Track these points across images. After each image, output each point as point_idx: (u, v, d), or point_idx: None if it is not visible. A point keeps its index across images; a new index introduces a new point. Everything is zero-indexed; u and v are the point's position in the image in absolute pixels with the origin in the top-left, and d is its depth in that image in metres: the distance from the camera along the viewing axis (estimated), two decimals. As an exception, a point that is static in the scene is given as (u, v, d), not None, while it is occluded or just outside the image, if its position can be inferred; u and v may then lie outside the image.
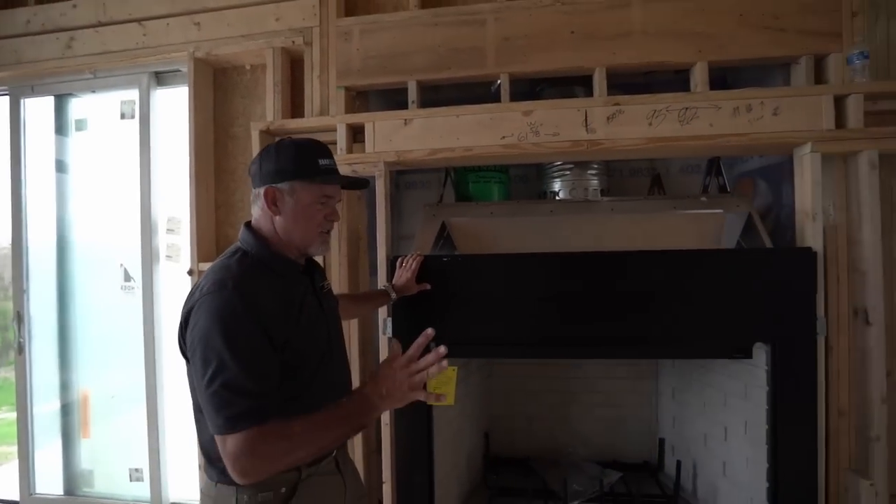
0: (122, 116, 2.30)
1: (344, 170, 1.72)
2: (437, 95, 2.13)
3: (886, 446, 1.54)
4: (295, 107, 2.07)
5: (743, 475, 1.66)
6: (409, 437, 1.66)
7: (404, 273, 1.57)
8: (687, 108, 1.58)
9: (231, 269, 0.94)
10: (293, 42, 1.97)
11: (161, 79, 2.25)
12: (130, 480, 2.28)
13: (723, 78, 2.07)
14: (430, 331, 0.92)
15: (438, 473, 1.71)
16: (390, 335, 1.69)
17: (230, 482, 0.89)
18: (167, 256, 2.25)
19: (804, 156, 1.55)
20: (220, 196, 2.16)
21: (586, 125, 1.62)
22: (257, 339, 0.87)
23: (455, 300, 1.61)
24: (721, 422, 1.77)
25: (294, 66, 2.07)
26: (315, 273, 1.10)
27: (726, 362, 1.72)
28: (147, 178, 2.22)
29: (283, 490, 0.94)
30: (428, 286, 1.58)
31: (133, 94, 2.23)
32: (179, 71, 2.18)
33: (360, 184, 1.17)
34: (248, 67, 2.12)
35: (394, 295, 1.54)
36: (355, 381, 1.46)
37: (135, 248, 2.23)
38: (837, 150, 1.53)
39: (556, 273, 1.60)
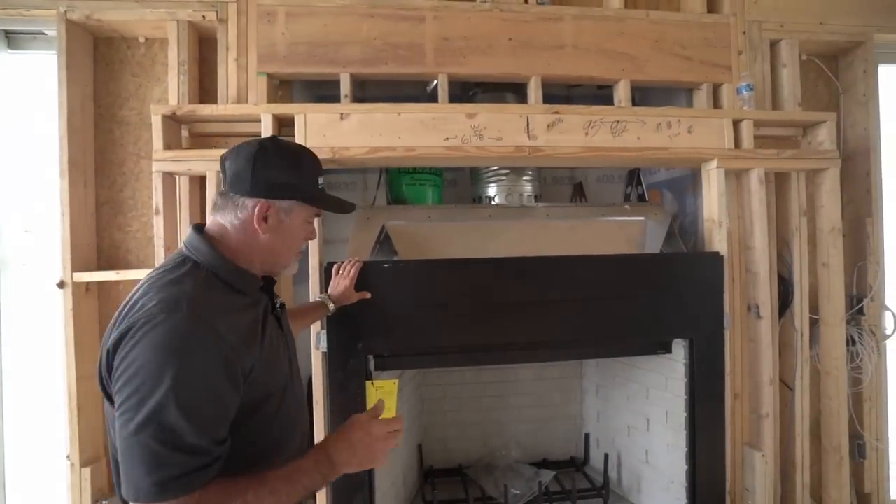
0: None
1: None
2: (363, 94, 2.03)
3: (774, 422, 1.79)
4: (203, 91, 1.79)
5: (664, 460, 1.80)
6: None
7: (342, 281, 1.42)
8: (618, 121, 1.68)
9: (183, 285, 0.76)
10: (203, 17, 1.71)
11: (14, 41, 1.80)
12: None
13: (633, 98, 2.28)
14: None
15: (378, 495, 1.59)
16: (324, 349, 1.53)
17: None
18: (23, 264, 1.79)
19: (711, 170, 1.75)
20: (102, 192, 1.79)
21: (528, 131, 1.64)
22: (214, 379, 0.71)
23: (396, 307, 1.51)
24: (644, 413, 1.91)
25: (202, 45, 1.80)
26: (272, 288, 0.95)
27: (648, 358, 1.86)
28: (-7, 166, 1.75)
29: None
30: (368, 294, 1.46)
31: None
32: (43, 34, 1.77)
33: (347, 208, 1.00)
34: (142, 40, 1.79)
35: (332, 306, 1.39)
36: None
37: (-26, 254, 1.74)
38: (735, 166, 1.75)
39: (499, 278, 1.58)
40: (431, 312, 1.55)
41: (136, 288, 0.79)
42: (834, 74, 2.18)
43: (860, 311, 2.03)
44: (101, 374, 0.75)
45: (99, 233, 1.79)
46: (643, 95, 2.21)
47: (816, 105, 2.17)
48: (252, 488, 0.71)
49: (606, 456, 2.03)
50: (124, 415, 0.67)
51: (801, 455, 1.94)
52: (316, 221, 0.99)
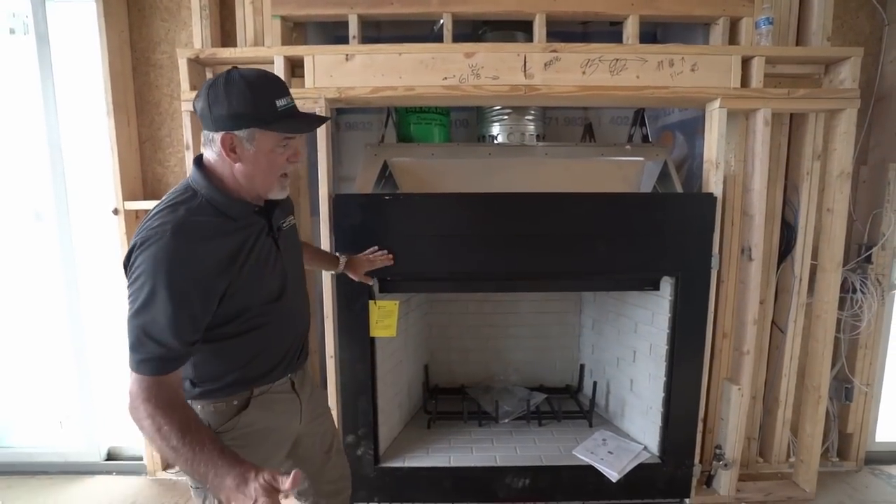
0: (12, 32, 2.02)
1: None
2: (378, 33, 2.09)
3: (753, 359, 1.87)
4: (225, 35, 1.93)
5: (646, 389, 1.94)
6: (353, 367, 1.75)
7: (366, 263, 1.59)
8: (617, 59, 1.68)
9: (177, 211, 0.90)
10: (221, -40, 1.80)
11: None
12: (61, 428, 2.21)
13: (653, 34, 2.20)
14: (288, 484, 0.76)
15: (381, 400, 1.84)
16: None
17: (190, 396, 0.98)
18: (85, 193, 2.08)
19: (714, 111, 1.72)
20: (143, 130, 2.01)
21: (525, 70, 1.68)
22: (186, 293, 0.85)
23: (398, 237, 1.67)
24: (631, 346, 2.03)
25: (223, -11, 1.91)
26: (274, 212, 1.06)
27: (638, 294, 1.96)
28: (52, 106, 2.00)
29: (236, 403, 1.01)
30: (370, 282, 1.63)
31: (23, 5, 1.94)
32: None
33: (322, 120, 1.05)
34: (168, -15, 1.92)
35: (341, 268, 1.57)
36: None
37: (45, 184, 2.03)
38: (741, 106, 1.71)
39: (492, 212, 1.69)
40: (430, 242, 1.69)
41: (152, 208, 0.95)
42: (880, 3, 2.00)
43: (868, 260, 2.00)
44: (124, 267, 0.92)
45: (143, 167, 2.03)
46: (665, 33, 2.14)
47: (855, 38, 2.02)
48: (185, 421, 0.83)
49: (595, 384, 2.19)
50: (128, 305, 0.86)
51: (786, 393, 2.03)
52: (300, 142, 1.09)
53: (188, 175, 1.00)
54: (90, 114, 1.98)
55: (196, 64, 1.74)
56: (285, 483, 0.75)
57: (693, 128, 2.06)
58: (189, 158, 1.76)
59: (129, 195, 1.95)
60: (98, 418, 2.18)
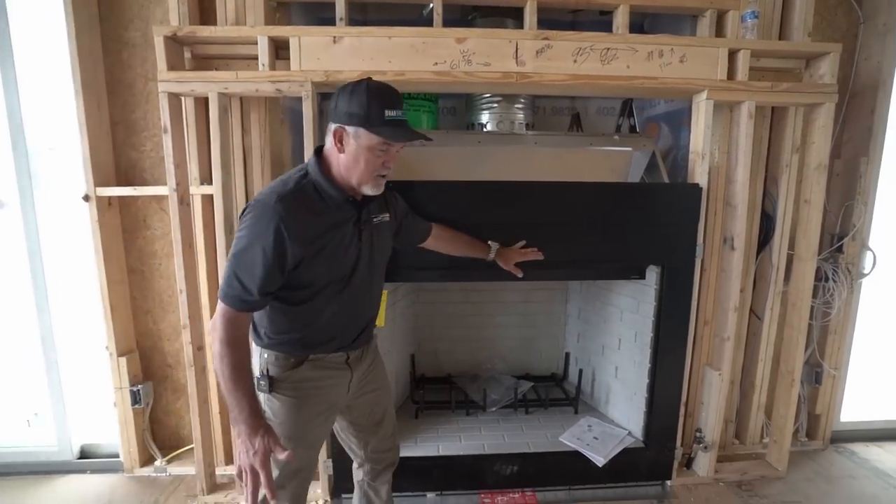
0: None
1: (266, 88, 1.62)
2: (364, 16, 2.03)
3: (733, 345, 1.93)
4: (203, 12, 1.83)
5: (631, 375, 1.99)
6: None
7: (517, 255, 1.64)
8: (608, 49, 1.68)
9: (287, 184, 1.09)
10: (199, -68, 1.71)
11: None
12: (29, 426, 2.11)
13: (640, 25, 2.21)
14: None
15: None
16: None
17: (260, 344, 1.17)
18: (52, 179, 1.96)
19: (701, 102, 1.75)
20: (116, 112, 1.91)
21: (516, 57, 1.66)
22: (270, 253, 1.02)
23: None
24: (617, 334, 2.07)
25: (200, -37, 1.81)
26: (370, 205, 1.20)
27: (624, 283, 1.99)
28: (13, 86, 1.87)
29: (292, 360, 1.17)
30: (520, 274, 1.64)
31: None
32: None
33: (419, 136, 1.16)
34: (141, -43, 1.81)
35: (492, 256, 1.61)
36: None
37: (7, 169, 1.91)
38: (727, 98, 1.74)
39: (482, 200, 1.68)
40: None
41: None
42: (857, 2, 2.06)
43: (839, 250, 2.09)
44: None
45: (115, 152, 1.93)
46: (653, 23, 2.15)
47: (833, 35, 2.08)
48: (235, 352, 1.04)
49: (581, 371, 2.23)
50: (232, 247, 1.06)
51: (761, 378, 2.11)
52: (399, 151, 1.15)
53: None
54: (57, 94, 1.86)
55: (173, 42, 1.65)
56: (279, 454, 1.02)
57: (678, 119, 2.09)
58: (167, 142, 1.67)
59: (101, 181, 1.85)
60: (69, 415, 2.09)
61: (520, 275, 1.63)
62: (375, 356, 1.39)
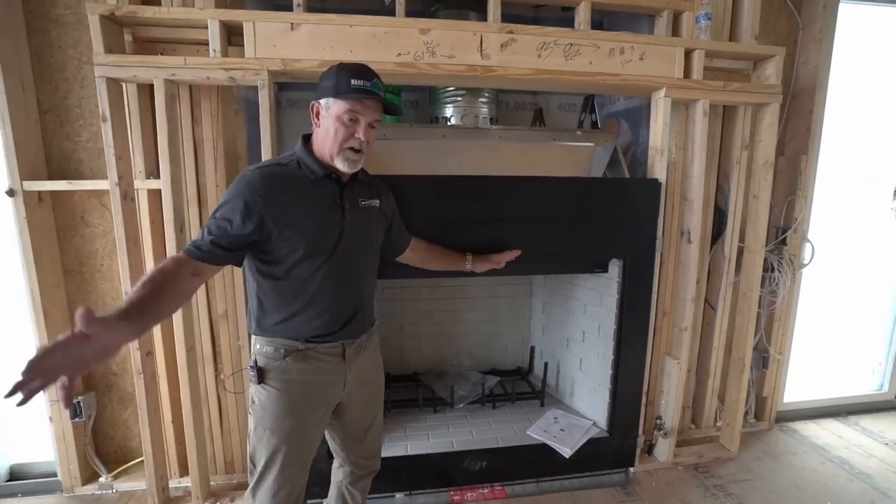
0: None
1: (219, 75, 1.52)
2: (322, 5, 1.95)
3: (690, 335, 2.01)
4: (145, -9, 1.69)
5: (594, 367, 2.03)
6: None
7: (490, 263, 1.60)
8: (572, 44, 1.69)
9: (272, 159, 1.19)
10: None
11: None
12: (-50, 445, 1.90)
13: (600, 22, 2.24)
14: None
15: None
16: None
17: (257, 333, 1.19)
18: (-30, 173, 1.76)
19: (659, 99, 1.80)
20: (45, 99, 1.73)
21: (481, 50, 1.64)
22: (236, 204, 1.06)
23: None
24: (581, 326, 2.11)
25: (140, -62, 1.67)
26: (353, 187, 1.21)
27: (587, 276, 2.03)
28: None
29: (283, 350, 1.16)
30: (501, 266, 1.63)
31: None
32: (-42, -84, 1.60)
33: (395, 108, 1.20)
34: (71, -73, 1.64)
35: (468, 267, 1.58)
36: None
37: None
38: (683, 96, 1.80)
39: (447, 195, 1.65)
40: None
41: None
42: (797, 8, 2.19)
43: (783, 242, 2.22)
44: None
45: (46, 142, 1.76)
46: (612, 21, 2.19)
47: (775, 39, 2.20)
48: (145, 280, 0.95)
49: (546, 364, 2.26)
50: None
51: (715, 365, 2.21)
52: (367, 124, 1.14)
53: None
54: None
55: (111, 23, 1.51)
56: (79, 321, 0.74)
57: (637, 116, 2.14)
58: (107, 131, 1.53)
59: (28, 174, 1.68)
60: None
61: (500, 266, 1.64)
62: (377, 359, 1.36)
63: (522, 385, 2.33)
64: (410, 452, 1.82)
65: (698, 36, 1.86)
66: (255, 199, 1.06)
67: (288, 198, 1.10)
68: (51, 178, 1.75)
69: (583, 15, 1.79)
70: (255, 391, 1.19)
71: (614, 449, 1.96)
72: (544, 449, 1.89)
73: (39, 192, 1.71)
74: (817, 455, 2.15)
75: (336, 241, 1.16)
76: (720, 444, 2.18)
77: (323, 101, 1.14)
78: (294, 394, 1.17)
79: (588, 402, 2.10)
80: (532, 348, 2.45)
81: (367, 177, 1.31)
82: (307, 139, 1.21)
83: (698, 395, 2.27)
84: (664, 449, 2.04)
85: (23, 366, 0.71)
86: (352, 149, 1.14)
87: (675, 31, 1.92)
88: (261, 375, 1.16)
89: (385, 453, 1.79)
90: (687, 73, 1.80)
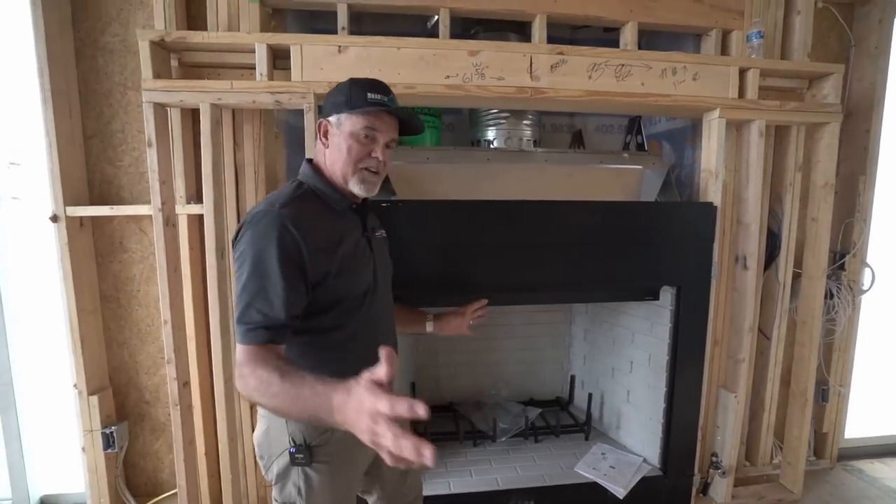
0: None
1: (265, 99, 1.50)
2: (359, 28, 1.93)
3: (749, 367, 1.89)
4: (190, 18, 1.70)
5: (644, 399, 1.92)
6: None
7: (458, 319, 1.40)
8: (623, 65, 1.64)
9: (283, 193, 0.99)
10: (188, -68, 1.59)
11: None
12: (-20, 475, 1.85)
13: (637, 44, 2.19)
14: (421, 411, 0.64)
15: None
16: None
17: None
18: (13, 198, 1.76)
19: (713, 120, 1.73)
20: (90, 124, 1.73)
21: (531, 72, 1.60)
22: (291, 264, 0.89)
23: (396, 246, 1.52)
24: (628, 356, 2.00)
25: (187, -34, 1.68)
26: (368, 216, 1.11)
27: (636, 304, 1.93)
28: (-27, 93, 1.67)
29: None
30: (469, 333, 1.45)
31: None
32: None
33: (412, 128, 1.10)
34: (121, -43, 1.66)
35: (430, 328, 1.40)
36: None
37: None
38: (738, 117, 1.73)
39: (493, 220, 1.58)
40: (425, 252, 1.56)
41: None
42: (848, 25, 2.12)
43: (841, 267, 2.10)
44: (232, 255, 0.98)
45: (89, 167, 1.75)
46: (650, 41, 2.13)
47: (826, 57, 2.12)
48: (280, 375, 0.80)
49: (590, 395, 2.14)
50: (236, 276, 0.91)
51: (770, 398, 2.08)
52: (385, 143, 1.04)
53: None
54: (21, 104, 1.67)
55: (160, 49, 1.51)
56: (382, 370, 0.67)
57: (681, 137, 2.07)
58: (152, 156, 1.51)
59: (72, 199, 1.66)
60: (28, 462, 1.85)
61: (469, 334, 1.45)
62: (398, 391, 1.25)
63: (564, 417, 2.22)
64: (454, 491, 1.72)
65: (750, 54, 1.80)
66: (305, 247, 0.90)
67: (329, 236, 0.96)
68: (92, 203, 1.74)
69: (629, 35, 1.74)
70: (298, 477, 0.99)
71: (668, 489, 1.83)
72: (595, 488, 1.77)
73: (81, 218, 1.70)
74: (894, 501, 1.98)
75: (373, 278, 1.06)
76: (781, 485, 2.03)
77: (333, 118, 1.01)
78: (347, 461, 1.03)
79: (637, 436, 1.98)
80: (572, 378, 2.34)
81: (372, 203, 1.19)
82: (311, 164, 1.07)
83: (753, 430, 2.13)
84: (721, 489, 1.90)
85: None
86: (368, 169, 1.02)
87: (724, 50, 1.86)
88: (312, 455, 0.98)
89: (427, 491, 1.70)
90: (741, 92, 1.73)
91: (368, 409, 0.65)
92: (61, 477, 1.88)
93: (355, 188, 1.03)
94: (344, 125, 1.01)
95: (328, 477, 1.01)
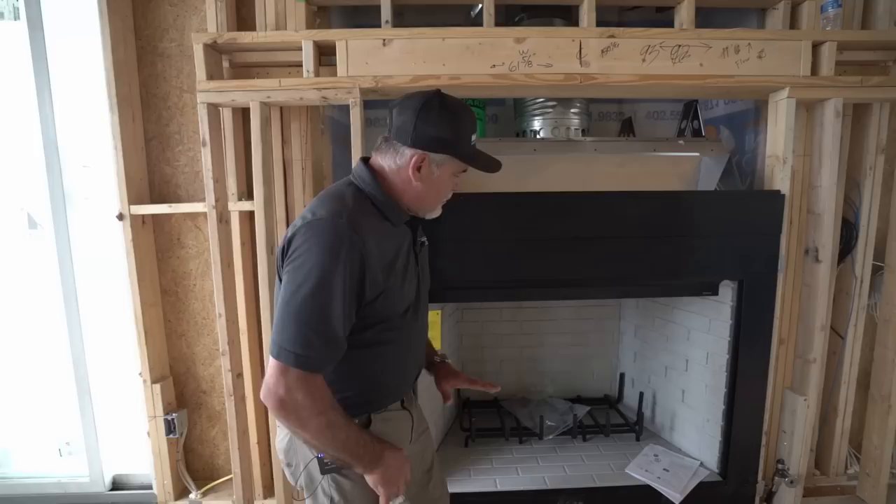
0: (0, 16, 1.81)
1: (312, 95, 1.52)
2: (400, 21, 1.92)
3: (819, 368, 1.75)
4: (241, 21, 1.75)
5: (701, 400, 1.81)
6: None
7: (460, 381, 1.28)
8: (679, 46, 1.54)
9: (346, 200, 0.92)
10: (238, -63, 1.63)
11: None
12: (60, 456, 2.01)
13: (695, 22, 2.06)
14: None
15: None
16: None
17: None
18: (85, 198, 1.88)
19: (780, 101, 1.59)
20: (150, 127, 1.82)
21: (580, 57, 1.53)
22: (352, 288, 0.85)
23: (443, 242, 1.50)
24: (683, 354, 1.90)
25: (238, -31, 1.73)
26: (417, 227, 1.08)
27: (691, 299, 1.82)
28: (48, 100, 1.80)
29: (357, 421, 0.96)
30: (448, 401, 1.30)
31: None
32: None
33: (494, 167, 1.06)
34: (177, -34, 1.73)
35: (430, 377, 1.29)
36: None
37: (41, 188, 1.84)
38: (810, 96, 1.58)
39: (543, 213, 1.54)
40: (473, 247, 1.54)
41: (314, 199, 0.96)
42: (937, -11, 1.89)
43: (929, 259, 1.89)
44: (278, 260, 0.93)
45: (149, 168, 1.84)
46: (706, 19, 1.99)
47: (910, 26, 1.91)
48: (335, 412, 0.86)
49: (641, 394, 2.05)
50: (285, 288, 0.85)
51: (845, 402, 1.91)
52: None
53: (351, 173, 1.02)
54: (90, 109, 1.79)
55: (213, 51, 1.56)
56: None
57: (741, 121, 1.93)
58: (206, 156, 1.57)
59: (134, 198, 1.76)
60: (101, 444, 1.99)
61: (447, 402, 1.29)
62: (416, 397, 1.24)
63: (613, 415, 2.14)
64: (500, 488, 1.70)
65: (825, 26, 1.64)
66: (368, 267, 0.86)
67: (389, 253, 0.93)
68: (153, 201, 1.84)
69: (685, 14, 1.63)
70: (329, 485, 0.98)
71: (728, 496, 1.73)
72: (648, 491, 1.69)
73: (143, 216, 1.79)
74: None
75: (416, 293, 1.04)
76: (858, 498, 1.87)
77: (437, 157, 0.94)
78: None
79: (693, 439, 1.88)
80: (622, 375, 2.25)
81: None
82: (372, 170, 0.98)
83: (824, 437, 1.97)
84: (788, 498, 1.77)
85: None
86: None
87: (793, 23, 1.71)
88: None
89: (471, 488, 1.70)
90: (814, 69, 1.59)
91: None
92: (131, 458, 2.01)
93: (431, 216, 1.05)
94: (446, 166, 0.97)
95: (362, 485, 0.97)
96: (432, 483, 1.23)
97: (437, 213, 1.06)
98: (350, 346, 0.90)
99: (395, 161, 0.96)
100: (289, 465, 1.03)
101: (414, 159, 0.94)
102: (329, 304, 0.82)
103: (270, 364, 0.84)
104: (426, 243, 1.16)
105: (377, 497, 0.98)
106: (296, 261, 0.85)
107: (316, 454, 0.96)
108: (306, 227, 0.87)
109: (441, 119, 0.93)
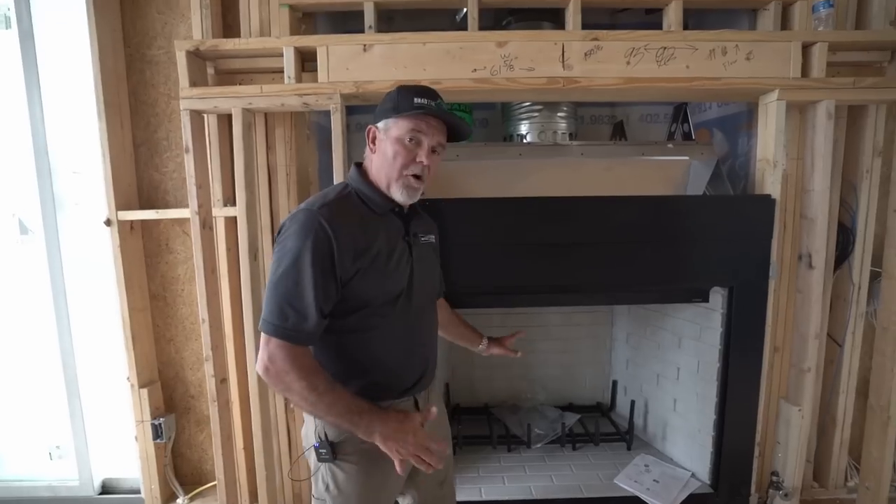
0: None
1: (293, 101, 1.52)
2: (389, 27, 1.92)
3: (816, 377, 1.70)
4: (226, 28, 1.76)
5: (692, 409, 1.77)
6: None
7: (499, 349, 1.45)
8: (665, 48, 1.51)
9: (328, 195, 1.01)
10: (222, -55, 1.64)
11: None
12: (50, 459, 2.02)
13: (685, 24, 2.02)
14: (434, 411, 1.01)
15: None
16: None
17: None
18: (75, 203, 1.90)
19: (770, 103, 1.56)
20: (138, 133, 1.83)
21: (563, 61, 1.51)
22: (320, 263, 0.92)
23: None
24: (674, 362, 1.86)
25: (224, -23, 1.74)
26: (413, 220, 1.11)
27: (682, 306, 1.79)
28: (38, 108, 1.82)
29: None
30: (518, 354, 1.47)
31: (7, -1, 1.77)
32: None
33: (460, 132, 1.08)
34: (164, -27, 1.75)
35: (482, 347, 1.43)
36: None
37: (31, 193, 1.86)
38: (801, 98, 1.54)
39: (529, 219, 1.52)
40: (459, 253, 1.52)
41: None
42: (937, -13, 1.84)
43: (930, 264, 1.83)
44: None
45: (138, 174, 1.86)
46: (699, 21, 1.97)
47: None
48: (318, 377, 0.92)
49: (633, 402, 2.01)
50: (270, 268, 0.95)
51: (844, 412, 1.86)
52: (430, 148, 1.03)
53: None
54: (79, 115, 1.81)
55: (196, 58, 1.57)
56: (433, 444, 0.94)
57: (734, 124, 1.89)
58: (189, 162, 1.58)
59: (122, 204, 1.77)
60: (91, 448, 2.00)
61: (515, 355, 1.47)
62: (441, 404, 1.24)
63: (604, 424, 2.10)
64: (485, 497, 1.67)
65: (816, 27, 1.60)
66: (337, 248, 0.93)
67: (363, 238, 0.97)
68: (141, 207, 1.85)
69: (673, 16, 1.61)
70: (326, 473, 1.02)
71: (720, 507, 1.68)
72: (636, 502, 1.65)
73: (131, 222, 1.80)
74: None
75: (408, 284, 1.05)
76: (856, 510, 1.81)
77: (381, 124, 1.03)
78: (374, 464, 1.01)
79: (684, 449, 1.84)
80: (614, 383, 2.22)
81: (423, 206, 1.20)
82: (360, 169, 1.09)
83: (822, 448, 1.92)
84: (783, 512, 1.72)
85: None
86: (413, 175, 1.02)
87: (784, 24, 1.68)
88: (335, 451, 1.00)
89: (458, 497, 1.66)
90: (806, 71, 1.55)
91: (411, 445, 0.93)
92: (121, 463, 2.02)
93: (397, 194, 1.03)
94: (391, 130, 1.02)
95: (356, 479, 1.02)
96: (444, 489, 1.23)
97: (405, 189, 1.03)
98: (337, 331, 0.98)
99: (367, 146, 1.07)
100: (305, 450, 1.09)
101: (367, 134, 1.06)
102: (301, 281, 0.91)
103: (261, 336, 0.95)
104: (431, 240, 1.17)
105: (372, 491, 1.03)
106: (278, 245, 0.96)
107: (314, 443, 1.02)
108: (290, 217, 0.97)
109: (387, 97, 1.05)
